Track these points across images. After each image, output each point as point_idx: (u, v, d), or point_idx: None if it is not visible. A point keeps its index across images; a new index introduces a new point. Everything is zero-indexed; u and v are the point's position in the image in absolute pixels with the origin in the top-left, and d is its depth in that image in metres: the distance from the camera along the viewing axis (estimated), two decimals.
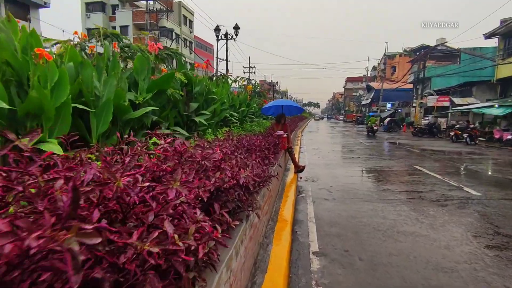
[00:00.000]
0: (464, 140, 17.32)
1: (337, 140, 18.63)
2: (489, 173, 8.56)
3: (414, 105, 31.56)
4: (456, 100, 27.08)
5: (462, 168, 9.02)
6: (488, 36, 23.56)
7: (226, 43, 22.19)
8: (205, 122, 4.68)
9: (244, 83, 10.48)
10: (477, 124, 18.50)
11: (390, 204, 5.14)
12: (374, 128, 22.68)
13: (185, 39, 47.06)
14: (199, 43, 60.97)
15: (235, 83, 10.40)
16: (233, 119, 6.47)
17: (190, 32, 49.71)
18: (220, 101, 5.73)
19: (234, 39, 42.91)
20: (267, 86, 79.59)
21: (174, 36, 40.94)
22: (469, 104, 25.08)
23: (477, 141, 17.32)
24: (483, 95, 26.63)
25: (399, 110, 42.84)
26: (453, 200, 5.44)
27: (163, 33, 38.49)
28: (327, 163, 9.34)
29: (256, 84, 12.57)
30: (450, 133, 18.67)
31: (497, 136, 17.82)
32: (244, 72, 47.78)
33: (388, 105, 47.31)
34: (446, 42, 31.03)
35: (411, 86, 39.90)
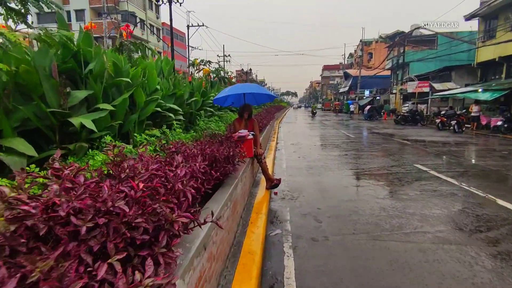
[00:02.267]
0: (451, 127, 16.15)
1: (317, 131, 16.90)
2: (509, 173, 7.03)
3: (394, 91, 30.55)
4: (436, 86, 26.21)
5: (471, 166, 7.45)
6: (469, 17, 22.55)
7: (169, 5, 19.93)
8: (93, 127, 2.50)
9: (202, 66, 8.27)
10: (464, 111, 17.45)
11: (422, 248, 3.26)
12: (314, 111, 36.55)
13: (151, 25, 43.34)
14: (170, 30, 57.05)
15: (193, 67, 8.19)
16: (172, 116, 4.32)
17: (157, 18, 45.91)
18: (138, 87, 3.57)
19: (206, 26, 39.99)
20: (244, 76, 77.14)
21: (138, 22, 37.27)
22: (449, 89, 24.25)
23: (463, 128, 16.24)
24: (462, 80, 25.96)
25: (377, 97, 42.06)
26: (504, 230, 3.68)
27: (124, 18, 34.79)
28: (311, 166, 7.44)
29: (220, 68, 10.38)
30: (436, 120, 17.49)
31: (484, 122, 16.82)
32: (219, 62, 45.13)
33: (366, 92, 46.55)
34: (420, 27, 29.93)
35: (388, 72, 39.10)
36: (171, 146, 2.83)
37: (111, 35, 32.82)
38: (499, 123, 14.71)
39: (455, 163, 7.70)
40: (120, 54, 4.72)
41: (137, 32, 37.32)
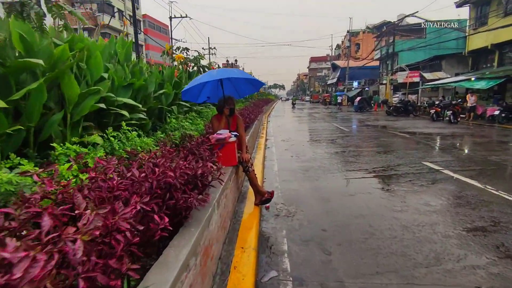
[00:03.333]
0: (446, 118, 15.51)
1: (309, 125, 15.94)
2: None
3: (384, 81, 29.92)
4: (427, 75, 25.72)
5: (485, 162, 6.62)
6: (460, 4, 21.94)
7: None
8: None
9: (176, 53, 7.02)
10: (459, 100, 16.85)
11: None
12: (294, 103, 40.47)
13: (130, 16, 41.17)
14: (152, 23, 54.98)
15: (167, 56, 7.00)
16: (127, 114, 3.18)
17: (137, 9, 43.60)
18: (67, 74, 2.43)
19: (189, 17, 38.23)
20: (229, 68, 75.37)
21: (116, 12, 35.16)
22: (440, 78, 23.73)
23: (459, 119, 15.64)
24: (452, 69, 25.50)
25: (366, 88, 41.56)
26: None
27: (101, 8, 32.64)
28: (306, 167, 6.44)
29: (200, 56, 9.16)
30: (431, 111, 16.82)
31: (479, 112, 16.27)
32: (204, 55, 43.25)
33: (355, 84, 45.98)
34: (408, 16, 29.21)
35: (377, 63, 38.51)
36: (100, 164, 1.72)
37: (85, 26, 30.78)
38: (496, 112, 14.13)
39: (466, 159, 6.87)
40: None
41: (115, 23, 35.24)
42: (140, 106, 3.61)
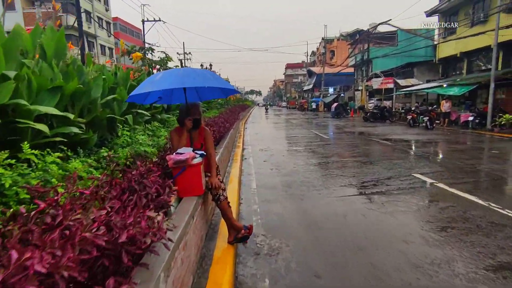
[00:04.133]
0: (423, 124, 15.54)
1: (288, 132, 15.35)
2: None
3: (360, 87, 30.27)
4: (400, 81, 26.20)
5: (476, 173, 6.23)
6: (430, 13, 22.59)
7: None
8: None
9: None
10: (435, 106, 17.04)
11: None
12: (267, 108, 43.88)
13: (99, 18, 39.04)
14: (125, 26, 52.86)
15: (126, 56, 6.04)
16: (45, 130, 2.25)
17: (107, 11, 41.56)
18: None
19: (163, 21, 36.80)
20: None
21: (82, 12, 33.06)
22: (413, 85, 24.25)
23: (434, 125, 15.74)
24: (423, 75, 26.23)
25: (342, 94, 42.14)
26: None
27: (65, 8, 30.51)
28: (288, 182, 5.69)
29: (167, 57, 8.18)
30: (408, 117, 16.87)
31: (453, 118, 16.52)
32: (180, 60, 41.86)
33: (331, 90, 46.56)
34: (379, 24, 29.91)
35: (351, 70, 39.18)
36: None
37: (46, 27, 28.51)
38: (470, 118, 14.31)
39: (455, 169, 6.45)
40: None
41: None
42: (72, 116, 2.67)
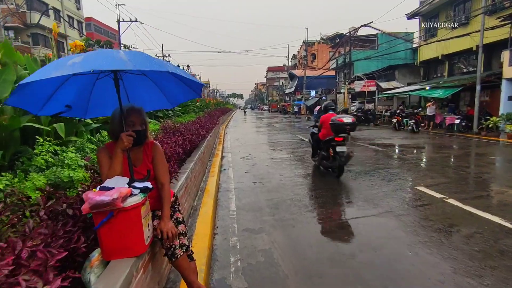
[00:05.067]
0: (409, 127, 15.12)
1: (271, 137, 14.44)
2: None
3: (342, 90, 30.00)
4: (382, 84, 26.08)
5: (486, 184, 5.55)
6: (411, 16, 22.57)
7: None
8: None
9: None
10: (420, 109, 16.73)
11: None
12: (245, 110, 42.95)
13: (70, 17, 36.75)
14: (99, 27, 50.64)
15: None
16: None
17: (78, 9, 39.30)
18: None
19: (139, 21, 35.20)
20: None
21: (49, 9, 30.73)
22: (394, 88, 24.16)
23: (420, 128, 15.38)
24: (404, 78, 26.28)
25: (323, 97, 41.99)
26: None
27: (29, 5, 28.28)
28: (276, 202, 4.73)
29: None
30: (393, 120, 16.45)
31: (438, 120, 16.26)
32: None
33: (312, 93, 46.39)
34: (360, 27, 29.89)
35: (333, 73, 39.14)
36: None
37: (5, 24, 26.19)
38: (457, 121, 14.01)
39: (461, 180, 5.74)
40: None
41: (47, 22, 30.83)
42: None
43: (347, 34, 29.65)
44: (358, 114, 21.24)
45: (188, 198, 3.66)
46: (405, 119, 17.56)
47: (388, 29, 28.96)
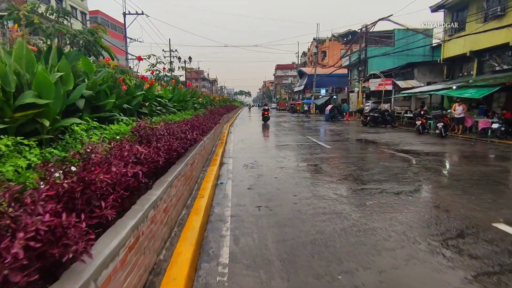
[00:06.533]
0: (437, 131, 13.30)
1: (280, 139, 12.82)
2: None
3: (356, 89, 28.14)
4: (400, 83, 24.18)
5: None
6: (435, 9, 20.59)
7: None
8: None
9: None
10: (449, 111, 14.89)
11: None
12: (249, 108, 39.61)
13: (73, 7, 35.60)
14: (106, 20, 49.58)
15: None
16: None
17: (82, 0, 38.14)
18: None
19: (146, 14, 33.74)
20: (194, 74, 71.06)
21: (52, 2, 29.52)
22: (413, 87, 22.27)
23: (448, 132, 13.56)
24: (424, 77, 24.33)
25: (334, 96, 40.14)
26: None
27: None
28: (291, 246, 3.14)
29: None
30: (416, 122, 14.65)
31: (468, 124, 14.40)
32: (165, 57, 38.61)
33: (322, 91, 44.51)
34: (381, 20, 27.89)
35: (344, 71, 37.22)
36: None
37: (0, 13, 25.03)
38: (495, 126, 12.15)
39: None
40: None
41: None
42: None
43: (363, 29, 27.77)
44: (375, 114, 19.44)
45: (142, 256, 2.11)
46: (429, 121, 15.77)
47: (405, 24, 26.84)
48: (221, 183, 5.60)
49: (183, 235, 2.96)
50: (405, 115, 20.37)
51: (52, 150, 2.54)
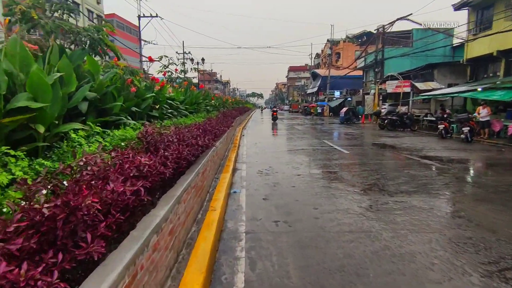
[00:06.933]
0: (462, 135, 12.50)
1: (294, 143, 12.34)
2: None
3: (372, 91, 27.28)
4: (419, 85, 23.24)
5: None
6: (458, 7, 19.63)
7: None
8: None
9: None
10: (475, 114, 14.00)
11: None
12: (262, 110, 43.07)
13: (89, 11, 36.27)
14: (122, 23, 50.43)
15: None
16: None
17: (98, 3, 38.83)
18: None
19: (160, 17, 34.02)
20: (207, 76, 71.35)
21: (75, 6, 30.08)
22: (433, 89, 21.32)
23: (473, 137, 12.73)
24: (444, 78, 23.30)
25: (349, 99, 39.22)
26: None
27: None
28: (318, 277, 2.71)
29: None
30: (439, 126, 13.87)
31: (497, 129, 13.51)
32: (178, 59, 38.80)
33: (336, 93, 43.67)
34: (399, 19, 26.96)
35: (359, 72, 36.31)
36: None
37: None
38: None
39: None
40: None
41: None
42: None
43: (379, 30, 26.96)
44: (393, 117, 18.66)
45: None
46: (453, 125, 14.91)
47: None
48: (234, 192, 5.21)
49: (191, 260, 2.57)
50: (425, 118, 19.47)
51: (43, 161, 2.20)
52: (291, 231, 3.59)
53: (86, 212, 1.42)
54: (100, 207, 1.48)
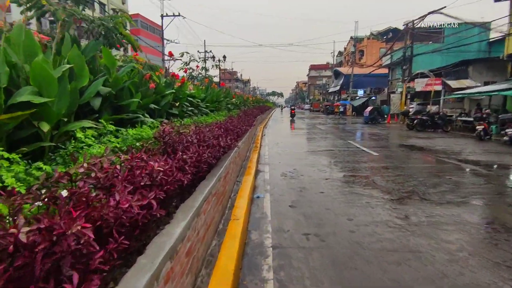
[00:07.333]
0: (506, 138, 11.39)
1: (318, 143, 11.75)
2: None
3: (399, 89, 25.95)
4: (452, 83, 21.79)
5: None
6: None
7: None
8: None
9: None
10: None
11: None
12: (281, 109, 43.28)
13: (115, 11, 37.14)
14: (145, 23, 51.54)
15: None
16: None
17: (123, 3, 39.72)
18: None
19: (182, 16, 34.33)
20: (228, 75, 71.56)
21: (97, 6, 30.91)
22: (468, 87, 19.87)
23: None
24: (480, 76, 21.71)
25: (373, 97, 37.74)
26: None
27: None
28: None
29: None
30: (478, 127, 12.77)
31: None
32: (200, 58, 38.92)
33: (360, 92, 42.21)
34: (431, 13, 25.40)
35: (384, 70, 34.78)
36: None
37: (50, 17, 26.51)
38: None
39: None
40: None
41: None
42: None
43: (408, 25, 25.58)
44: (423, 117, 17.54)
45: None
46: (492, 126, 13.71)
47: (459, 17, 24.08)
48: (258, 196, 4.79)
49: (212, 283, 2.17)
50: (459, 118, 18.19)
51: (42, 165, 1.88)
52: (324, 247, 3.12)
53: (72, 242, 1.05)
54: (92, 235, 1.10)
